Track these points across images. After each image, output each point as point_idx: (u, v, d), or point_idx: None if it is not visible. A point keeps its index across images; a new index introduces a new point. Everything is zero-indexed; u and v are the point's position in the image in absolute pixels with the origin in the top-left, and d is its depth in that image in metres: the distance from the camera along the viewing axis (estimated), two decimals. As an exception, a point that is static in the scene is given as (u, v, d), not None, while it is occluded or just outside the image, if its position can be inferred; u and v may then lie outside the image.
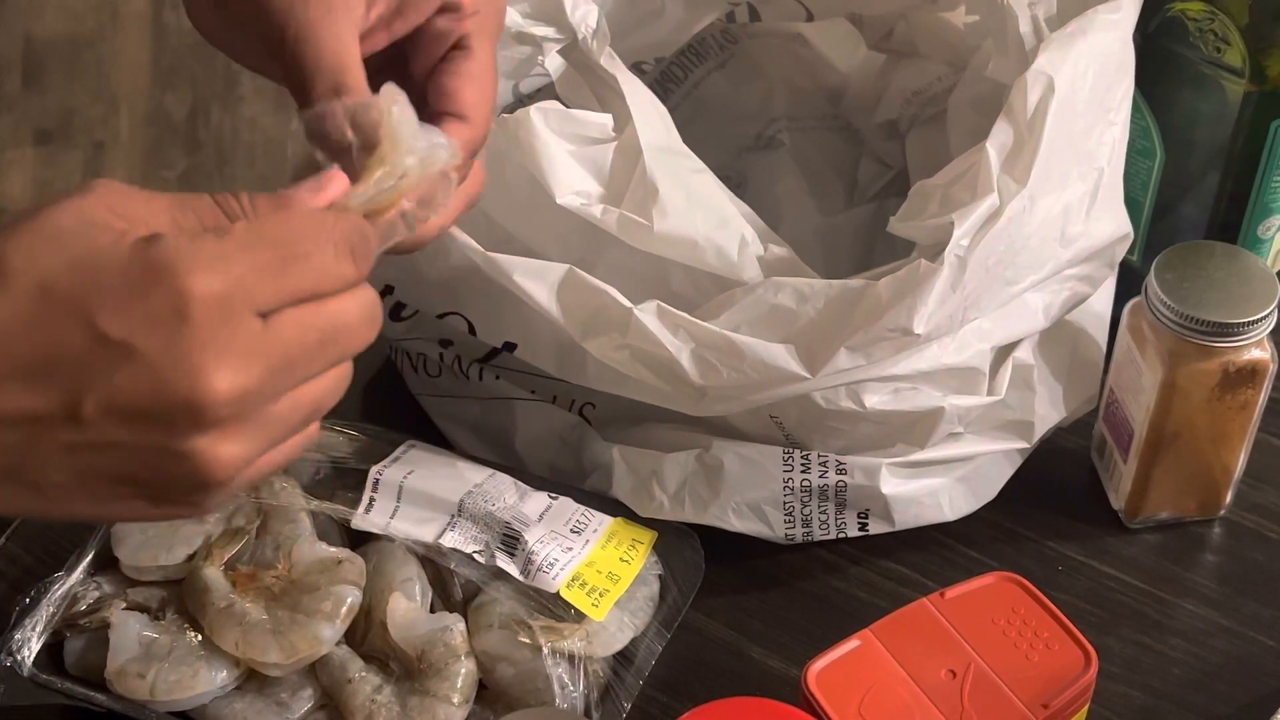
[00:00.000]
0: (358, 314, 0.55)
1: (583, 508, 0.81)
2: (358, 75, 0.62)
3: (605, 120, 0.79)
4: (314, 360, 0.54)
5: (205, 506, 0.54)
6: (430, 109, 0.64)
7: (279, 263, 0.53)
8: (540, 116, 0.77)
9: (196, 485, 0.54)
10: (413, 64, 0.65)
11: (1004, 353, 0.82)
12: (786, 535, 0.83)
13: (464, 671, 0.75)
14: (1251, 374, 0.81)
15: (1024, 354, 0.83)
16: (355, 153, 0.59)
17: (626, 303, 0.76)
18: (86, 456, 0.53)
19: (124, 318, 0.51)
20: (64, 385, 0.51)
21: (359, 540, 0.80)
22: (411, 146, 0.59)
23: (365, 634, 0.78)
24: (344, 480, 0.81)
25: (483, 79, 0.64)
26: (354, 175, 0.58)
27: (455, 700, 0.75)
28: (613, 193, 0.78)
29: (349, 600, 0.76)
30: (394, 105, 0.59)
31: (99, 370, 0.51)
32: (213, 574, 0.77)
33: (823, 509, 0.82)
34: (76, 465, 0.53)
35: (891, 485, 0.82)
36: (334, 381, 0.56)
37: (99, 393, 0.51)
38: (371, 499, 0.79)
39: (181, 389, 0.51)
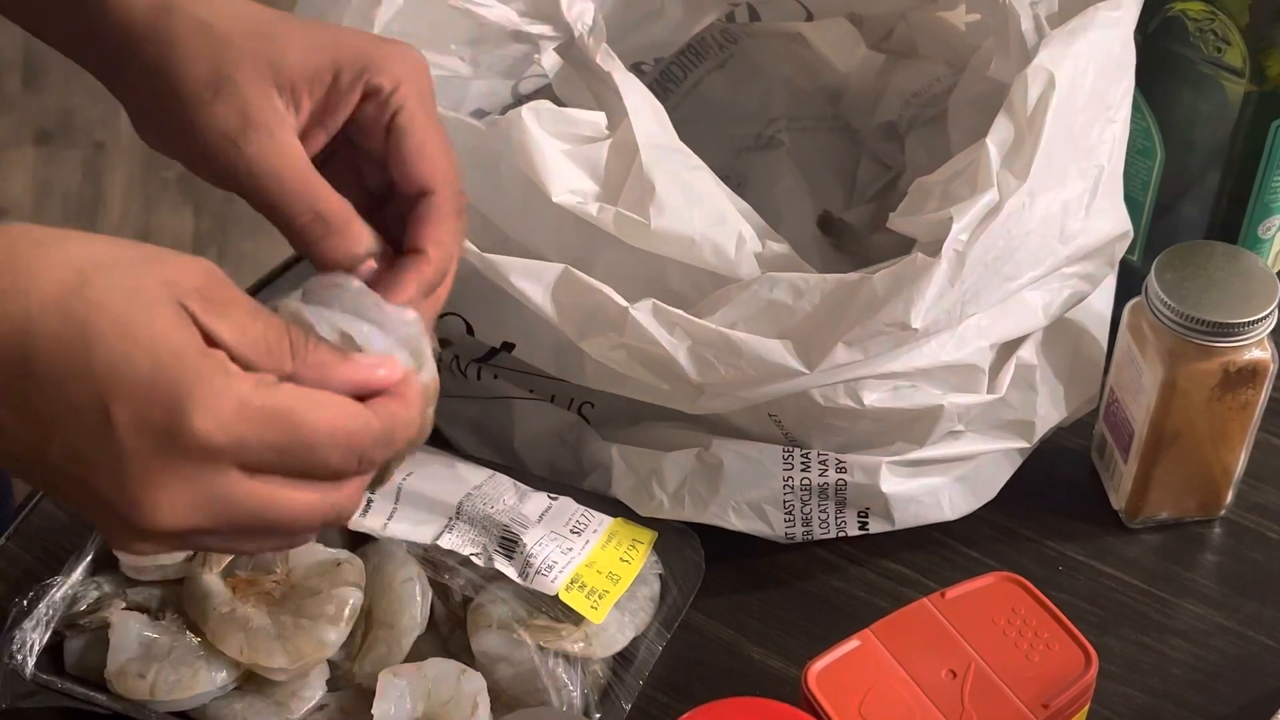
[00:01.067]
0: (309, 523, 0.57)
1: (583, 508, 0.81)
2: (326, 193, 0.63)
3: (599, 118, 0.79)
4: (255, 536, 0.57)
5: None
6: (396, 187, 0.65)
7: (288, 446, 0.55)
8: (533, 116, 0.77)
9: (128, 546, 0.56)
10: (368, 150, 0.66)
11: (1006, 352, 0.82)
12: (786, 534, 0.83)
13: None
14: (1252, 374, 0.81)
15: (1027, 353, 0.83)
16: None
17: (622, 302, 0.75)
18: (39, 477, 0.55)
19: (129, 411, 0.52)
20: (43, 425, 0.53)
21: (359, 540, 0.80)
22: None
23: (366, 634, 0.78)
24: (344, 480, 0.81)
25: (424, 147, 0.65)
26: None
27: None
28: (609, 191, 0.78)
29: (351, 602, 0.76)
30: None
31: (81, 431, 0.53)
32: (212, 580, 0.77)
33: (823, 508, 0.82)
34: (32, 475, 0.56)
35: (891, 484, 0.82)
36: (258, 548, 0.61)
37: (68, 448, 0.53)
38: (370, 501, 0.79)
39: (133, 498, 0.53)
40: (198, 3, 0.64)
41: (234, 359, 0.54)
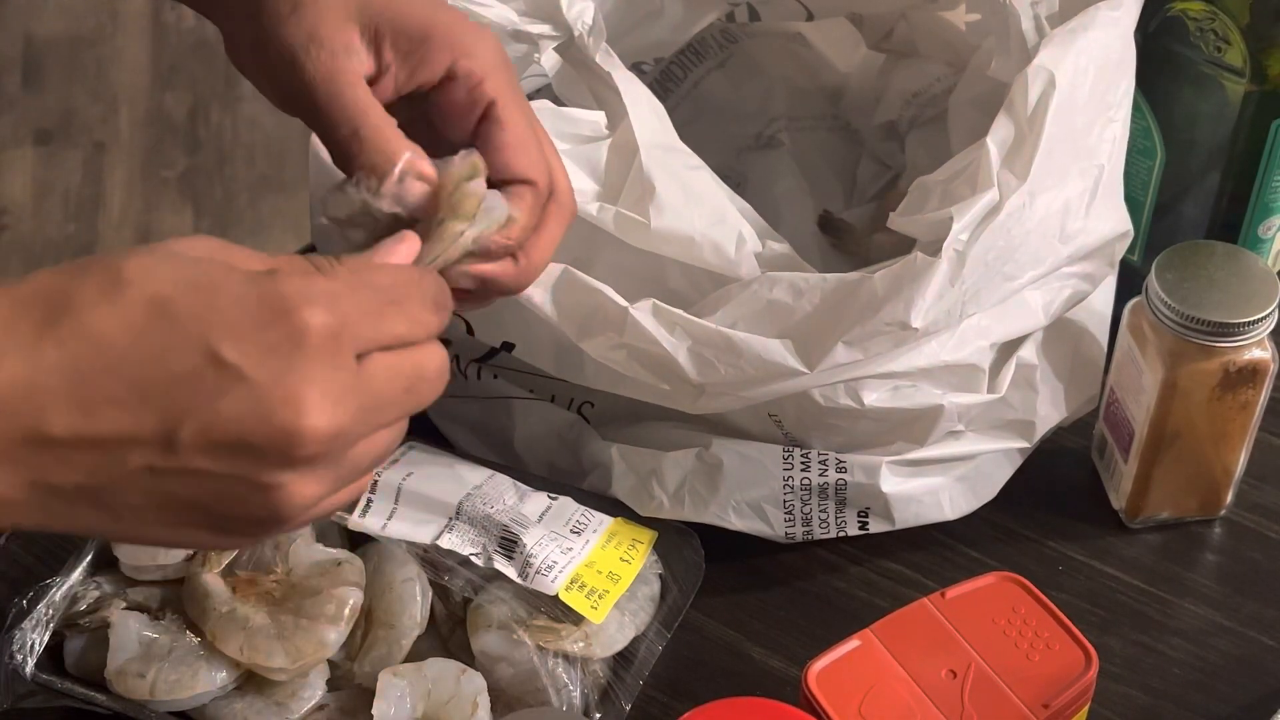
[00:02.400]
0: (437, 367, 0.57)
1: (583, 508, 0.81)
2: (375, 117, 0.63)
3: (598, 118, 0.79)
4: (397, 406, 0.56)
5: (264, 538, 0.56)
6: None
7: (379, 306, 0.55)
8: None
9: (268, 519, 0.54)
10: (449, 136, 0.66)
11: (1006, 352, 0.82)
12: (787, 534, 0.83)
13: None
14: (1252, 374, 0.81)
15: (1028, 353, 0.83)
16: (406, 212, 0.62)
17: (622, 302, 0.75)
18: (170, 482, 0.53)
19: (241, 344, 0.51)
20: (166, 407, 0.51)
21: (360, 540, 0.80)
22: (474, 212, 0.62)
23: (366, 634, 0.78)
24: (344, 480, 0.81)
25: (525, 142, 0.66)
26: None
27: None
28: (609, 190, 0.78)
29: (351, 602, 0.76)
30: (467, 176, 0.62)
31: (205, 394, 0.51)
32: (212, 580, 0.77)
33: (823, 507, 0.82)
34: (157, 490, 0.53)
35: (892, 483, 0.82)
36: (400, 431, 0.58)
37: (201, 418, 0.51)
38: (369, 501, 0.79)
39: (286, 421, 0.52)
40: None
41: None
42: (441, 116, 0.66)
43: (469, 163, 0.63)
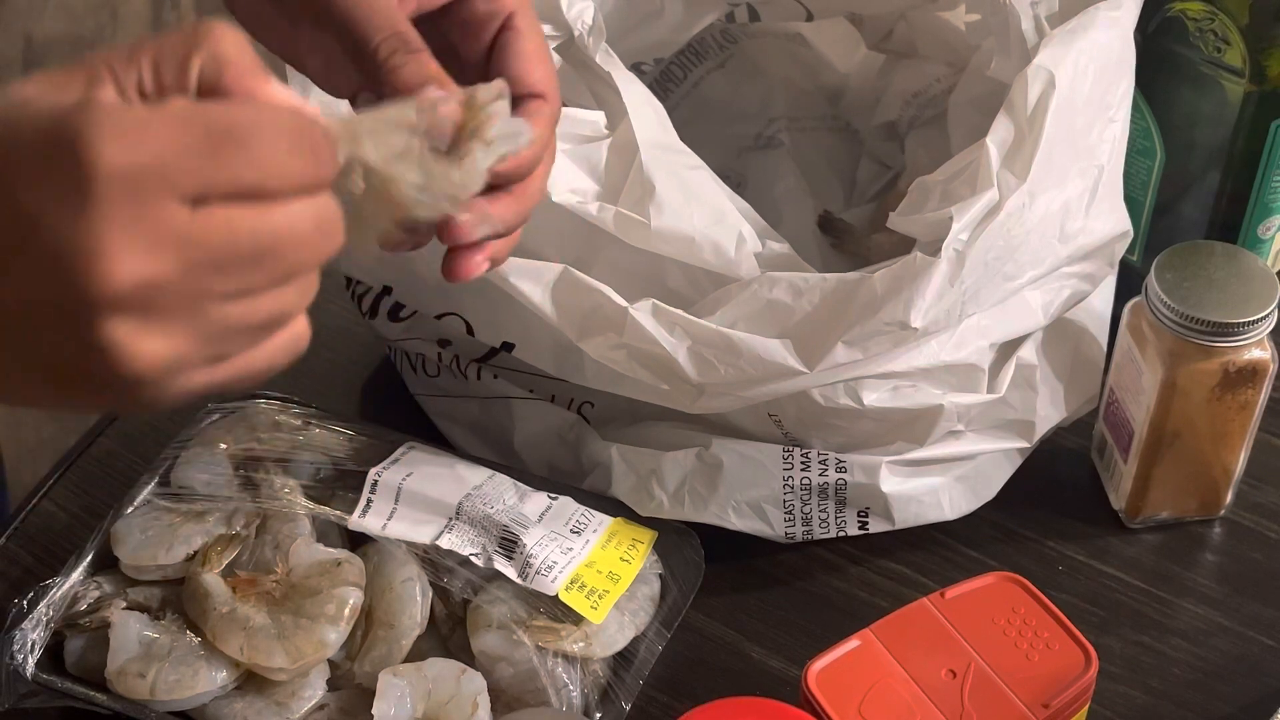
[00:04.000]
0: (309, 222, 0.49)
1: (583, 508, 0.81)
2: (406, 22, 0.62)
3: (598, 117, 0.79)
4: (252, 267, 0.49)
5: (145, 401, 0.50)
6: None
7: (210, 146, 0.47)
8: None
9: (120, 378, 0.49)
10: (463, 50, 0.66)
11: (1006, 352, 0.82)
12: (787, 534, 0.83)
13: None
14: (1252, 374, 0.81)
15: (1028, 354, 0.83)
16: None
17: (622, 302, 0.75)
18: (10, 340, 0.49)
19: (33, 190, 0.46)
20: None
21: (360, 540, 0.80)
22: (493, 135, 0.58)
23: (366, 634, 0.78)
24: (344, 481, 0.81)
25: (542, 53, 0.64)
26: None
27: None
28: (609, 190, 0.78)
29: (351, 602, 0.76)
30: (497, 99, 0.59)
31: (10, 247, 0.47)
32: (212, 580, 0.77)
33: (823, 507, 0.82)
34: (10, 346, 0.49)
35: (891, 483, 0.82)
36: (294, 295, 0.51)
37: (9, 274, 0.47)
38: (369, 501, 0.79)
39: (78, 271, 0.46)
40: None
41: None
42: (460, 29, 0.65)
43: (494, 88, 0.59)
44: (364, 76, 0.62)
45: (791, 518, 0.82)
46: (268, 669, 0.75)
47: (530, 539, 0.78)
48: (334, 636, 0.75)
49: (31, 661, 0.76)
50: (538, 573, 0.77)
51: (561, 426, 0.87)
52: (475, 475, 0.81)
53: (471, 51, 0.65)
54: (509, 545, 0.78)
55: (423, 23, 0.65)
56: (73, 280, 0.46)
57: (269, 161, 0.48)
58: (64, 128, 0.46)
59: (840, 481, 0.82)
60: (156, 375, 0.49)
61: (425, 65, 0.60)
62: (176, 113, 0.47)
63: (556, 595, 0.76)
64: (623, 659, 0.79)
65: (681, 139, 0.82)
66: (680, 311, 0.76)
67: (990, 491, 0.86)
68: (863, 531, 0.84)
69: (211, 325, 0.49)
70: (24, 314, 0.48)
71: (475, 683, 0.76)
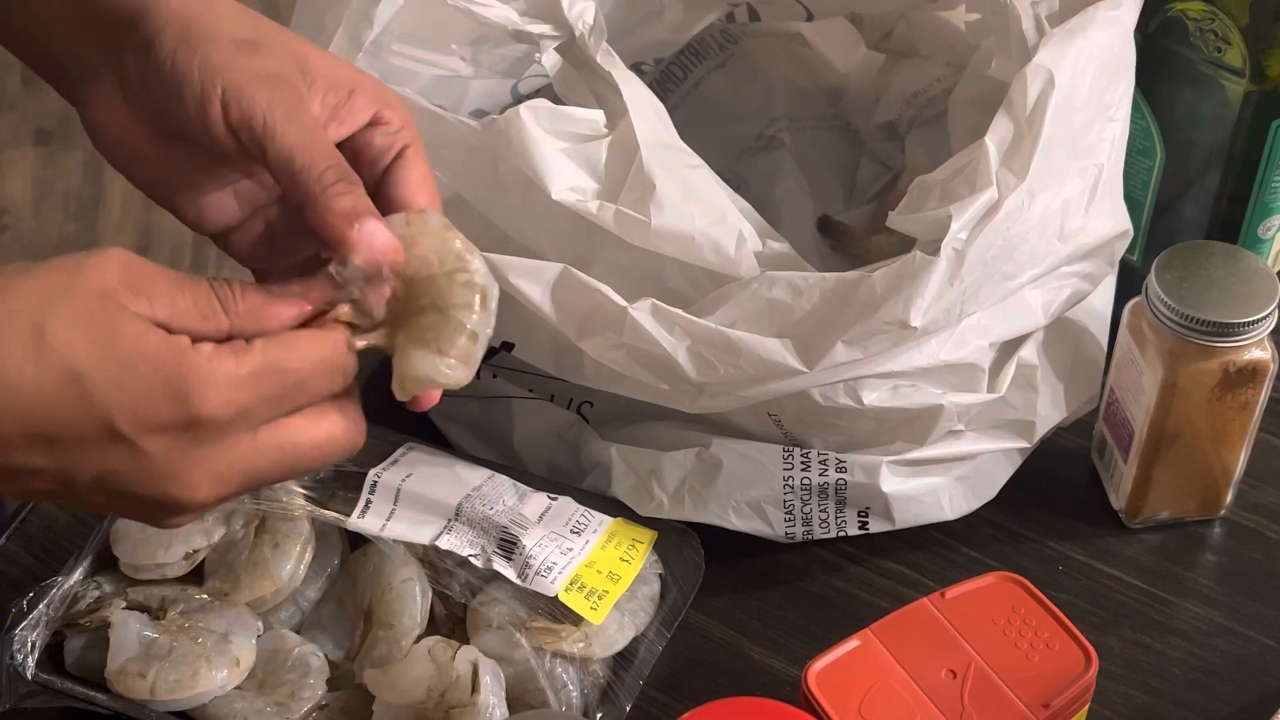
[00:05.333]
0: (332, 450, 0.62)
1: (583, 508, 0.81)
2: (340, 156, 0.64)
3: (597, 116, 0.79)
4: (288, 473, 0.61)
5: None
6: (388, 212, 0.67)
7: (283, 391, 0.59)
8: (531, 115, 0.77)
9: (171, 525, 0.61)
10: (361, 175, 0.68)
11: (1007, 351, 0.82)
12: (787, 534, 0.83)
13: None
14: (1252, 374, 0.81)
15: (1029, 354, 0.83)
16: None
17: (621, 301, 0.75)
18: (73, 500, 0.60)
19: (138, 421, 0.57)
20: (65, 461, 0.57)
21: (360, 540, 0.80)
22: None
23: (366, 634, 0.78)
24: (344, 481, 0.81)
25: (428, 180, 0.67)
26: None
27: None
28: (609, 189, 0.78)
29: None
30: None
31: (100, 456, 0.57)
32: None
33: (823, 507, 0.82)
34: (64, 498, 0.60)
35: (892, 483, 0.82)
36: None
37: (93, 473, 0.58)
38: (368, 501, 0.79)
39: (170, 491, 0.58)
40: None
41: (173, 332, 0.58)
42: (356, 155, 0.67)
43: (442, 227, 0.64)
44: (292, 203, 0.64)
45: (791, 518, 0.82)
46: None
47: (530, 540, 0.78)
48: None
49: (31, 661, 0.76)
50: (537, 573, 0.77)
51: (561, 426, 0.87)
52: (475, 476, 0.81)
53: (367, 178, 0.67)
54: (508, 546, 0.78)
55: None
56: (161, 497, 0.58)
57: (318, 393, 0.60)
58: (176, 377, 0.57)
59: (840, 481, 0.82)
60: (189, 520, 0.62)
61: (361, 198, 0.63)
62: (258, 366, 0.58)
63: (556, 596, 0.76)
64: (623, 659, 0.79)
65: (682, 139, 0.82)
66: (680, 311, 0.75)
67: (990, 491, 0.86)
68: (863, 531, 0.84)
69: (235, 494, 0.61)
70: (96, 492, 0.59)
71: (471, 653, 0.75)
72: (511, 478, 0.82)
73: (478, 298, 0.63)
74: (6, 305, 0.57)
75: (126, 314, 0.57)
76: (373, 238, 0.61)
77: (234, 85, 0.64)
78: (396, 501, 0.79)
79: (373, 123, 0.67)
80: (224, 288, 0.60)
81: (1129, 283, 0.88)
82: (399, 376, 0.63)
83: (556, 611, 0.77)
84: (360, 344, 0.62)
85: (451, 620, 0.79)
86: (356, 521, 0.79)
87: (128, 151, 0.68)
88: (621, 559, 0.79)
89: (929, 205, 0.76)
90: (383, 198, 0.66)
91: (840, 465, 0.81)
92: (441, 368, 0.62)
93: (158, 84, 0.65)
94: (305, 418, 0.60)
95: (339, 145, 0.66)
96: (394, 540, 0.79)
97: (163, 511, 0.60)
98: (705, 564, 0.83)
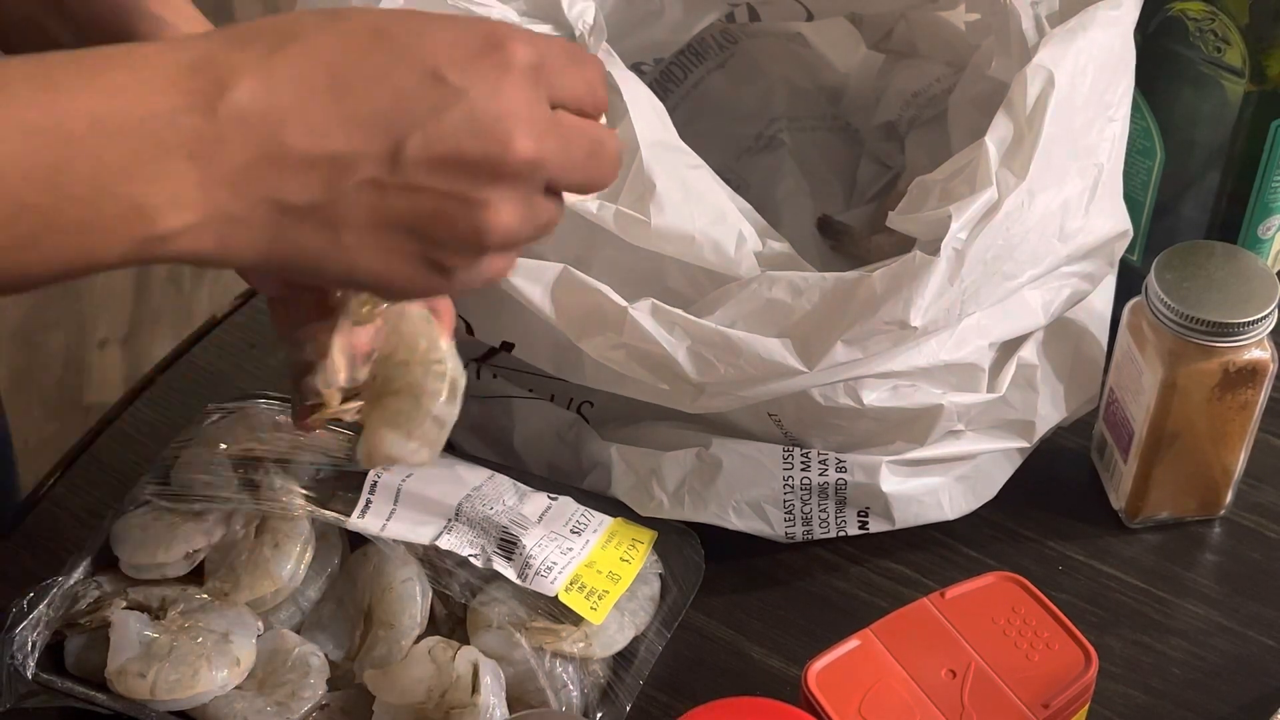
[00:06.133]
0: (614, 148, 0.61)
1: (583, 508, 0.81)
2: None
3: None
4: (579, 167, 0.59)
5: (470, 275, 0.58)
6: None
7: (569, 60, 0.59)
8: None
9: (474, 242, 0.57)
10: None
11: (1007, 351, 0.82)
12: (787, 534, 0.83)
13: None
14: (1252, 374, 0.81)
15: (1029, 354, 0.83)
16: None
17: (621, 301, 0.75)
18: (392, 198, 0.55)
19: (457, 65, 0.55)
20: (391, 123, 0.54)
21: (360, 540, 0.80)
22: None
23: (366, 634, 0.78)
24: (344, 481, 0.81)
25: None
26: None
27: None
28: (609, 188, 0.78)
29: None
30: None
31: (427, 110, 0.55)
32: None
33: (823, 507, 0.82)
34: (380, 206, 0.55)
35: (892, 483, 0.82)
36: (558, 212, 0.61)
37: (423, 133, 0.55)
38: (368, 501, 0.79)
39: (499, 135, 0.55)
40: None
41: None
42: None
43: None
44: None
45: (791, 518, 0.82)
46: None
47: (530, 540, 0.78)
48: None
49: (32, 661, 0.76)
50: (537, 573, 0.77)
51: (561, 426, 0.86)
52: (475, 476, 0.81)
53: None
54: (508, 546, 0.78)
55: None
56: (488, 142, 0.55)
57: (593, 86, 0.60)
58: (485, 26, 0.57)
59: (840, 481, 0.82)
60: (501, 237, 0.57)
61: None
62: (545, 35, 0.59)
63: (556, 596, 0.76)
64: (623, 659, 0.79)
65: (682, 139, 0.82)
66: (680, 311, 0.75)
67: (990, 491, 0.86)
68: (863, 531, 0.84)
69: (536, 207, 0.58)
70: (425, 162, 0.55)
71: (471, 653, 0.75)
72: (511, 478, 0.82)
73: (447, 388, 0.65)
74: (308, 8, 0.56)
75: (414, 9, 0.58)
76: None
77: None
78: (396, 501, 0.79)
79: None
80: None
81: (1129, 283, 0.88)
82: (368, 450, 0.66)
83: (556, 611, 0.77)
84: (346, 414, 0.64)
85: (451, 620, 0.79)
86: (356, 521, 0.79)
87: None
88: (621, 559, 0.79)
89: (929, 205, 0.76)
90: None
91: (840, 465, 0.81)
92: (408, 449, 0.65)
93: None
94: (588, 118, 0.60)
95: None
96: (394, 540, 0.79)
97: (492, 178, 0.56)
98: (705, 564, 0.83)
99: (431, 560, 0.79)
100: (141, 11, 0.69)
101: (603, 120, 0.62)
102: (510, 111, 0.56)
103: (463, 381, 0.66)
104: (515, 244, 0.59)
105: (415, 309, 0.66)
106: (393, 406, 0.65)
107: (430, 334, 0.66)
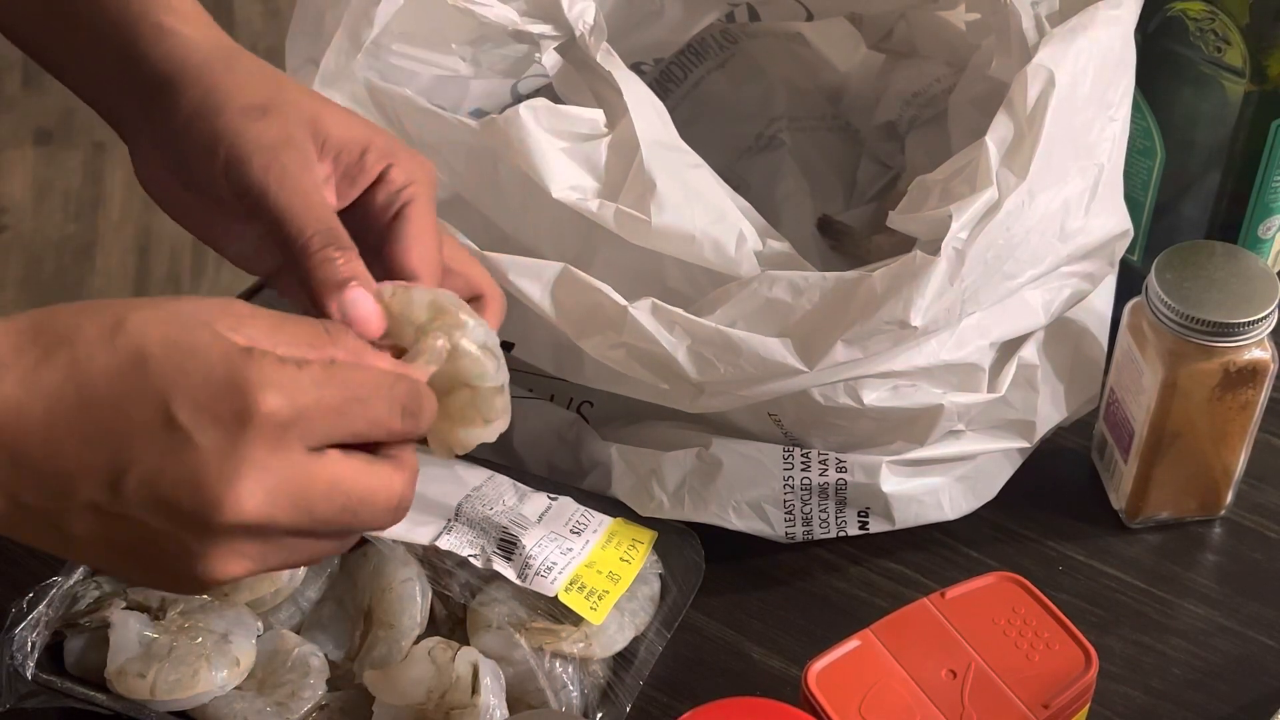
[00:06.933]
0: (386, 498, 0.59)
1: (582, 508, 0.81)
2: (337, 221, 0.65)
3: (596, 116, 0.79)
4: (331, 520, 0.58)
5: (190, 594, 0.61)
6: (386, 270, 0.67)
7: (341, 403, 0.57)
8: (530, 114, 0.77)
9: (194, 582, 0.57)
10: (364, 238, 0.68)
11: (1007, 351, 0.82)
12: (787, 534, 0.83)
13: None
14: (1252, 374, 0.81)
15: (1029, 354, 0.83)
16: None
17: (621, 301, 0.75)
18: (110, 524, 0.56)
19: (194, 410, 0.55)
20: (117, 453, 0.55)
21: (360, 540, 0.80)
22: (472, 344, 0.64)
23: (366, 634, 0.78)
24: (344, 481, 0.81)
25: (424, 240, 0.68)
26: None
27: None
28: (609, 188, 0.78)
29: None
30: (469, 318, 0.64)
31: (152, 450, 0.55)
32: None
33: (823, 507, 0.82)
34: (98, 526, 0.56)
35: (892, 483, 0.82)
36: (333, 546, 0.61)
37: (143, 470, 0.55)
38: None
39: (215, 495, 0.55)
40: (255, 56, 0.70)
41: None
42: (363, 214, 0.68)
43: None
44: (290, 265, 0.65)
45: (792, 518, 0.82)
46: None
47: (529, 540, 0.78)
48: None
49: (31, 661, 0.76)
50: (537, 574, 0.77)
51: (561, 426, 0.86)
52: (474, 476, 0.81)
53: (372, 238, 0.68)
54: (508, 546, 0.78)
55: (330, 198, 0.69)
56: (207, 497, 0.55)
57: (378, 419, 0.58)
58: (238, 370, 0.55)
59: (840, 481, 0.82)
60: (222, 583, 0.58)
61: (353, 262, 0.64)
62: (319, 375, 0.57)
63: (556, 596, 0.76)
64: (623, 659, 0.79)
65: (682, 139, 0.82)
66: (680, 310, 0.75)
67: (991, 491, 0.86)
68: (863, 531, 0.84)
69: (281, 552, 0.58)
70: (139, 501, 0.55)
71: (471, 654, 0.75)
72: (511, 478, 0.82)
73: (491, 359, 0.64)
74: (101, 306, 0.57)
75: (209, 327, 0.56)
76: (352, 307, 0.62)
77: (235, 153, 0.65)
78: (396, 501, 0.79)
79: (379, 180, 0.68)
80: (332, 324, 0.60)
81: (1129, 283, 0.88)
82: (446, 446, 0.65)
83: (556, 612, 0.77)
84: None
85: (451, 621, 0.79)
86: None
87: (169, 201, 0.71)
88: (621, 559, 0.79)
89: (929, 205, 0.76)
90: (383, 256, 0.67)
91: (840, 465, 0.81)
92: (491, 430, 0.65)
93: (176, 150, 0.68)
94: (360, 460, 0.58)
95: (355, 204, 0.68)
96: (394, 540, 0.78)
97: (205, 533, 0.56)
98: (705, 564, 0.83)
99: (431, 560, 0.79)
100: (143, 16, 0.70)
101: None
102: (233, 470, 0.55)
103: (495, 339, 0.64)
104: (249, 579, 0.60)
105: (419, 293, 0.64)
106: (455, 406, 0.64)
107: (453, 313, 0.64)
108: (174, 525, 0.55)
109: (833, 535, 0.83)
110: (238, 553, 0.57)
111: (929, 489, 0.83)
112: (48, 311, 0.57)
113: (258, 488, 0.55)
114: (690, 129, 0.84)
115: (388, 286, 0.64)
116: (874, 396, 0.78)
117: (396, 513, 0.60)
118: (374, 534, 0.78)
